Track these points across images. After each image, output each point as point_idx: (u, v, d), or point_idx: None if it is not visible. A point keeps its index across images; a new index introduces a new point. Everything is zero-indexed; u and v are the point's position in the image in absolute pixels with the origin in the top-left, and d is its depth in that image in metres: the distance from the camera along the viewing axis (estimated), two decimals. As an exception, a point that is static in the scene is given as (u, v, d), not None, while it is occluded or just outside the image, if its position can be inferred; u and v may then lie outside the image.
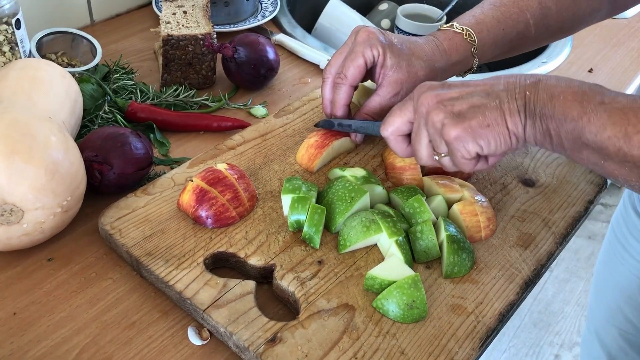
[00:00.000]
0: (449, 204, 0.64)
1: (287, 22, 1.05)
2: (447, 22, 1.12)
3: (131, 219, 0.61)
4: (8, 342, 0.52)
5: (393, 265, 0.56)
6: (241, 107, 0.83)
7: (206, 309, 0.53)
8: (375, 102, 0.68)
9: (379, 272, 0.56)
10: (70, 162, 0.57)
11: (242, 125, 0.77)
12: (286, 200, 0.62)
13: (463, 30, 0.69)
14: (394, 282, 0.55)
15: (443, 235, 0.59)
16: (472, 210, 0.62)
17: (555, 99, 0.52)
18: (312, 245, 0.60)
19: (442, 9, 1.13)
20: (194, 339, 0.54)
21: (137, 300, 0.57)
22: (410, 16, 1.12)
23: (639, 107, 0.48)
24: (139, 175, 0.65)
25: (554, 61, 1.01)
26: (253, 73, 0.83)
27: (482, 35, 0.70)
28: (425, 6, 1.16)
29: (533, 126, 0.53)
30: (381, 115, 0.67)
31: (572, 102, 0.51)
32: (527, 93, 0.53)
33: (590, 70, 1.00)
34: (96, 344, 0.53)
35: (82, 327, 0.54)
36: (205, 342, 0.54)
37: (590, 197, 0.70)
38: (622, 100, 0.49)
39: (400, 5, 1.17)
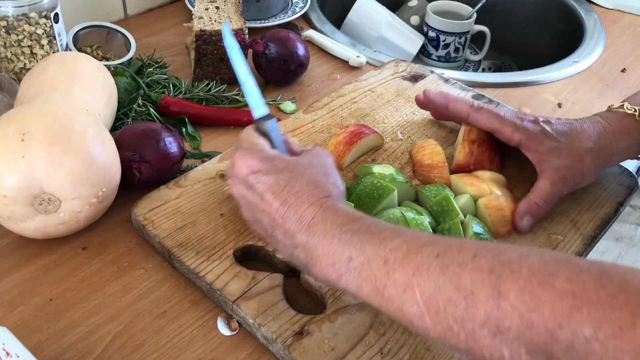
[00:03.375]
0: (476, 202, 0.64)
1: (317, 18, 1.05)
2: (477, 22, 1.12)
3: (163, 210, 0.63)
4: (45, 326, 0.54)
5: None
6: (271, 102, 0.84)
7: (236, 300, 0.55)
8: (545, 185, 0.63)
9: None
10: (106, 154, 0.59)
11: (272, 121, 0.78)
12: None
13: (636, 111, 0.65)
14: None
15: (470, 233, 0.59)
16: (497, 205, 0.63)
17: (315, 262, 0.47)
18: None
19: (473, 6, 1.12)
20: (223, 329, 0.55)
21: (168, 290, 0.58)
22: (440, 13, 1.12)
23: (380, 255, 0.43)
24: (174, 170, 0.67)
25: (586, 60, 1.00)
26: (283, 69, 0.84)
27: None
28: (455, 3, 1.15)
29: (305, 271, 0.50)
30: (552, 201, 0.64)
31: (327, 265, 0.46)
32: (297, 251, 0.49)
33: (623, 70, 0.98)
34: (128, 331, 0.54)
35: (115, 315, 0.56)
36: (234, 332, 0.55)
37: (620, 198, 0.69)
38: (368, 250, 0.44)
39: (430, 1, 1.16)
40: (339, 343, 0.52)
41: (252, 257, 0.61)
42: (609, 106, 0.68)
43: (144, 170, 0.64)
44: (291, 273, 0.59)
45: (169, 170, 0.66)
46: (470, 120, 0.69)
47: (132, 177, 0.64)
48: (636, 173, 0.90)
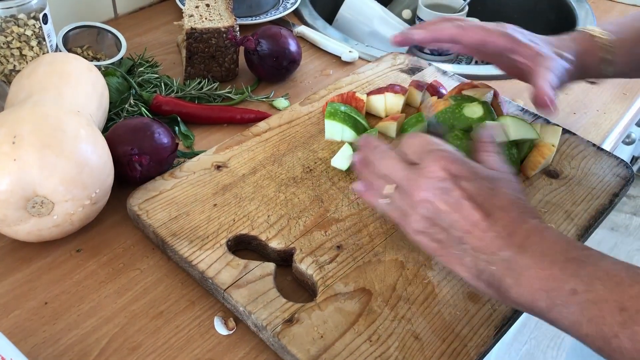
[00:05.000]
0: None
1: (308, 13, 1.05)
2: (469, 14, 1.12)
3: (158, 201, 0.63)
4: (41, 330, 0.54)
5: None
6: (264, 99, 0.83)
7: (227, 288, 0.55)
8: (546, 73, 0.64)
9: None
10: (98, 155, 0.59)
11: (265, 117, 0.78)
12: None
13: (597, 33, 0.68)
14: None
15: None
16: (544, 153, 0.68)
17: (521, 283, 0.45)
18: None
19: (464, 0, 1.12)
20: (220, 328, 0.55)
21: (164, 290, 0.58)
22: (432, 6, 1.12)
23: (616, 299, 0.40)
24: (170, 160, 0.67)
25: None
26: (275, 65, 0.83)
27: (617, 43, 0.67)
28: (447, -4, 1.15)
29: (490, 290, 0.48)
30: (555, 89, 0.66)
31: (539, 290, 0.43)
32: (494, 268, 0.46)
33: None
34: (125, 333, 0.54)
35: (111, 317, 0.55)
36: (232, 332, 0.55)
37: (615, 190, 0.69)
38: (599, 288, 0.41)
39: (421, -5, 1.16)
40: (328, 330, 0.52)
41: (244, 246, 0.61)
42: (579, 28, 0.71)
43: (144, 163, 0.64)
44: (283, 262, 0.59)
45: (165, 161, 0.66)
46: (463, 40, 0.68)
47: (134, 171, 0.64)
48: (631, 162, 0.90)
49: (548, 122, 0.78)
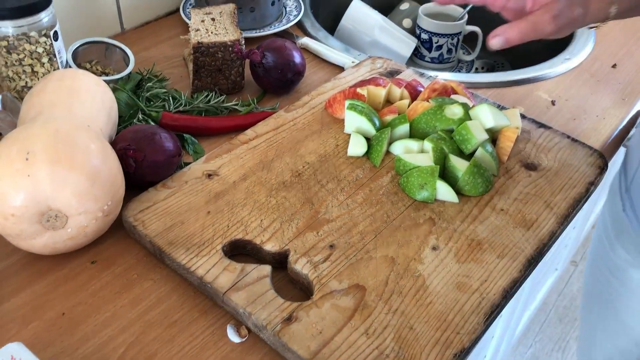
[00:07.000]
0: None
1: (311, 24, 1.07)
2: (468, 22, 1.13)
3: (152, 211, 0.65)
4: (59, 340, 0.55)
5: (422, 160, 0.69)
6: (269, 110, 0.85)
7: (226, 292, 0.57)
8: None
9: (408, 158, 0.69)
10: (109, 168, 0.60)
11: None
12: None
13: None
14: (417, 167, 0.68)
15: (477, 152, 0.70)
16: (510, 136, 0.72)
17: None
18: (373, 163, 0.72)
19: (464, 7, 1.14)
20: (233, 336, 0.56)
21: (177, 300, 0.59)
22: (432, 15, 1.13)
23: None
24: (171, 164, 0.69)
25: (577, 57, 1.01)
26: (280, 78, 0.85)
27: None
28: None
29: None
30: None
31: None
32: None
33: (614, 66, 1.00)
34: (140, 342, 0.56)
35: (127, 326, 0.57)
36: (244, 339, 0.56)
37: (590, 178, 0.72)
38: None
39: (421, 4, 1.18)
40: (327, 327, 0.54)
41: (240, 251, 0.63)
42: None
43: (138, 159, 0.66)
44: (278, 265, 0.61)
45: (164, 164, 0.68)
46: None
47: (128, 167, 0.66)
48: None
49: (505, 108, 0.82)
